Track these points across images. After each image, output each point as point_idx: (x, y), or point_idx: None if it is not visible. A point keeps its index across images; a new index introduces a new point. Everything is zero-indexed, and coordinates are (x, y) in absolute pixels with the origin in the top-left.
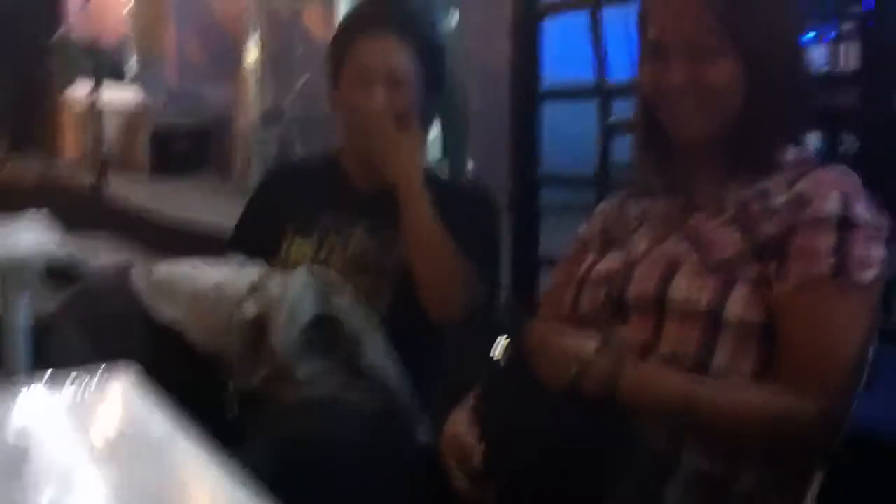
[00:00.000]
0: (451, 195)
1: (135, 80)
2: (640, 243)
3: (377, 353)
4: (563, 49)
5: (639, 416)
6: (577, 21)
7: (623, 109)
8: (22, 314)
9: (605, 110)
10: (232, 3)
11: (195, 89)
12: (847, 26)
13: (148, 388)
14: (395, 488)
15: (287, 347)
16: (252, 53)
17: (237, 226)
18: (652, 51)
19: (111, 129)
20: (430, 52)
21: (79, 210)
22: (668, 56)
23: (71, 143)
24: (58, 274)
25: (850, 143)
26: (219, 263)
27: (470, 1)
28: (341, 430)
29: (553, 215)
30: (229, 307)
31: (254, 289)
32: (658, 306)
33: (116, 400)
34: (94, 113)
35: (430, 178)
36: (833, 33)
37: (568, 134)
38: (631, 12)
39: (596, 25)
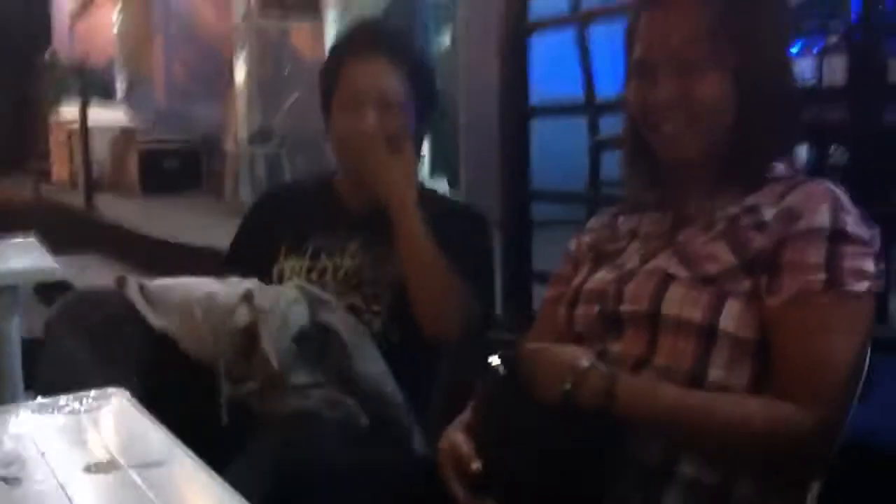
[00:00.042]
0: (443, 213)
1: (123, 100)
2: (631, 259)
3: (370, 364)
4: (552, 66)
5: (633, 429)
6: (565, 38)
7: (612, 125)
8: (14, 334)
9: (593, 126)
10: (220, 23)
11: (184, 109)
12: (833, 39)
13: (142, 407)
14: (390, 500)
15: (278, 356)
16: (240, 73)
17: (231, 246)
18: (639, 68)
19: (100, 149)
20: (421, 74)
21: (69, 229)
22: (655, 73)
23: (60, 164)
24: (48, 293)
25: (838, 155)
26: (212, 280)
27: (463, 20)
28: (334, 443)
29: (544, 230)
30: (221, 316)
31: (245, 298)
32: (651, 321)
33: (112, 419)
34: (82, 133)
35: (423, 197)
36: (819, 46)
37: (558, 150)
38: (618, 29)
39: (583, 42)
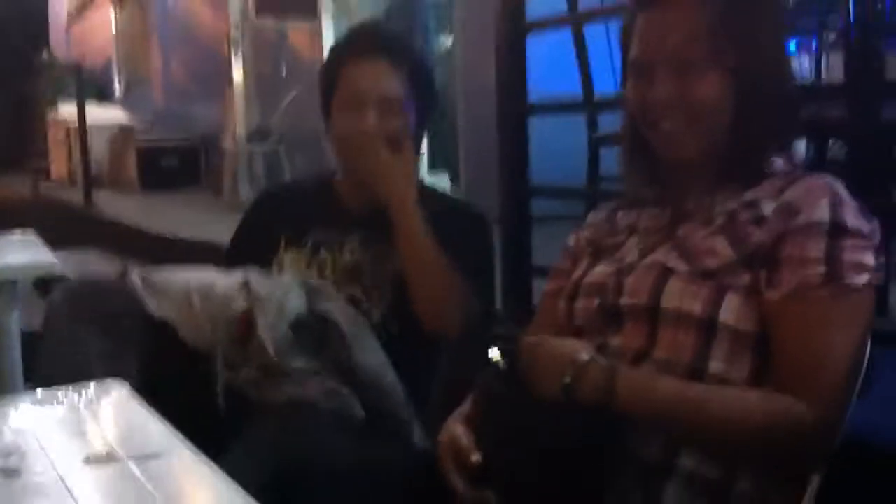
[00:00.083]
0: (442, 211)
1: (121, 99)
2: (630, 253)
3: (369, 355)
4: (550, 63)
5: (633, 422)
6: (563, 36)
7: (610, 122)
8: (14, 328)
9: (592, 123)
10: (217, 23)
11: (182, 109)
12: (831, 36)
13: (142, 399)
14: (389, 493)
15: (275, 343)
16: (238, 73)
17: (231, 243)
18: (637, 68)
19: (99, 146)
20: (421, 75)
21: (68, 226)
22: (653, 72)
23: (59, 161)
24: (48, 288)
25: (836, 150)
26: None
27: (461, 19)
28: (332, 434)
29: (543, 226)
30: (218, 304)
31: (243, 286)
32: (651, 314)
33: (111, 411)
34: (81, 131)
35: (422, 195)
36: (817, 43)
37: (557, 146)
38: (614, 27)
39: (581, 40)
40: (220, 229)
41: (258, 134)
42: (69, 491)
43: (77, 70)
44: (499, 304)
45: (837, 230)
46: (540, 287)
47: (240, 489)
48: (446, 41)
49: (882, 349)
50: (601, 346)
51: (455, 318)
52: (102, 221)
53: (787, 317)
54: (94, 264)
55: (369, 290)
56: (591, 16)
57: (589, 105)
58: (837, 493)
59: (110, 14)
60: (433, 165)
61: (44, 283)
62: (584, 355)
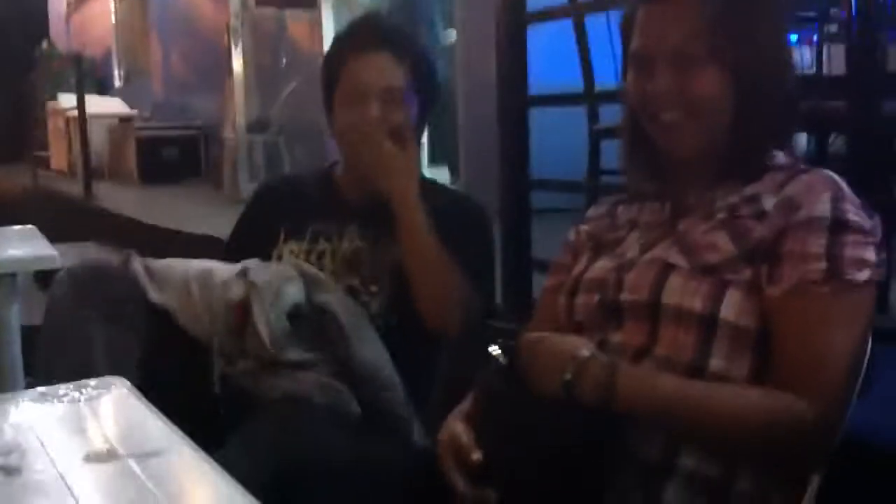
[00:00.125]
0: (443, 205)
1: (121, 90)
2: (631, 248)
3: (367, 347)
4: (551, 55)
5: (634, 420)
6: (564, 27)
7: (611, 114)
8: (14, 321)
9: (593, 115)
10: (216, 14)
11: (181, 99)
12: (832, 28)
13: (142, 396)
14: (386, 490)
15: (270, 332)
16: (238, 63)
17: (231, 235)
18: (637, 60)
19: (98, 137)
20: (423, 67)
21: (67, 218)
22: (653, 65)
23: (58, 153)
24: (48, 281)
25: (837, 145)
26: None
27: (465, 14)
28: (330, 430)
29: (543, 219)
30: (217, 291)
31: (241, 274)
32: (652, 311)
33: (111, 408)
34: (80, 122)
35: (422, 188)
36: (816, 35)
37: (557, 139)
38: (615, 18)
39: (582, 32)
40: (221, 222)
41: (258, 125)
42: (69, 489)
43: (77, 61)
44: (499, 298)
45: (838, 226)
46: (540, 281)
47: (240, 487)
48: (450, 36)
49: (883, 346)
50: (601, 342)
51: (457, 314)
52: (102, 214)
53: (787, 313)
54: (93, 256)
55: (368, 280)
56: (592, 7)
57: (590, 97)
58: (838, 492)
59: (110, 4)
60: (433, 159)
61: (44, 277)
62: (585, 352)
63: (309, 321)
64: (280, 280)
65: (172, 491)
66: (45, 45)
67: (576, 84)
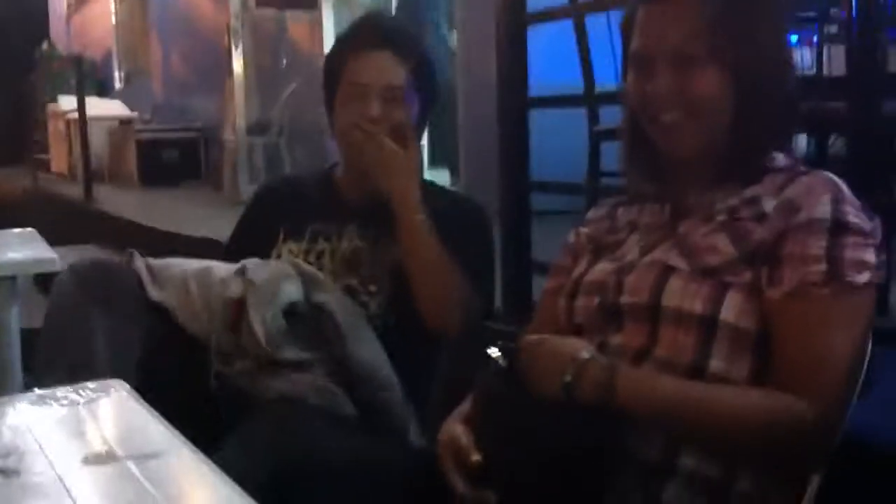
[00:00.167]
0: (442, 206)
1: (121, 92)
2: (631, 250)
3: (365, 347)
4: (551, 56)
5: (634, 421)
6: (564, 28)
7: (612, 116)
8: (13, 324)
9: (593, 117)
10: (217, 15)
11: (181, 102)
12: (832, 29)
13: (140, 399)
14: (383, 491)
15: (266, 330)
16: (238, 65)
17: (231, 237)
18: (637, 61)
19: (99, 140)
20: (424, 68)
21: (68, 221)
22: (653, 66)
23: (58, 155)
24: (48, 284)
25: (837, 146)
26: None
27: (465, 14)
28: (328, 431)
29: (543, 221)
30: (215, 289)
31: (239, 272)
32: (652, 313)
33: (110, 411)
34: (80, 124)
35: (423, 191)
36: (816, 36)
37: (557, 140)
38: (615, 19)
39: (582, 32)
40: (221, 224)
41: (258, 126)
42: (68, 491)
43: (77, 62)
44: (498, 300)
45: (839, 227)
46: (540, 283)
47: (238, 488)
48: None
49: (883, 349)
50: (601, 344)
51: (457, 315)
52: (102, 216)
53: (787, 315)
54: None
55: (367, 280)
56: (593, 7)
57: (590, 98)
58: (837, 493)
59: (110, 6)
60: (433, 160)
61: (44, 280)
62: (585, 353)
63: (306, 320)
64: (277, 278)
65: (171, 493)
66: (45, 46)
67: (576, 85)
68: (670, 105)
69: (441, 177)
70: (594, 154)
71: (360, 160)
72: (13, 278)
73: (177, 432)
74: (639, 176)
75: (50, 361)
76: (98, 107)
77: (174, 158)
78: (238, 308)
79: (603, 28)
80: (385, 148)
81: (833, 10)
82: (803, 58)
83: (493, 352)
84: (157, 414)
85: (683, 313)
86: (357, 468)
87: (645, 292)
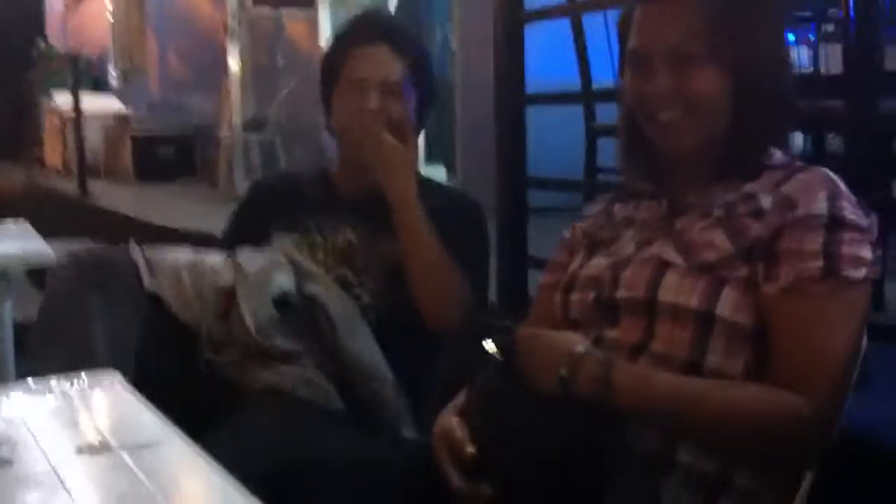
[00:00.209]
0: (437, 201)
1: (117, 89)
2: (626, 246)
3: (357, 339)
4: (549, 53)
5: (630, 416)
6: (562, 25)
7: (609, 113)
8: (7, 318)
9: (590, 114)
10: (213, 13)
11: (177, 98)
12: (829, 27)
13: (134, 390)
14: (375, 486)
15: (255, 318)
16: (234, 63)
17: (225, 232)
18: (635, 59)
19: (94, 136)
20: (422, 64)
21: (63, 216)
22: (651, 64)
23: (54, 151)
24: (42, 279)
25: (835, 144)
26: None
27: (463, 12)
28: (316, 426)
29: (540, 217)
30: (207, 277)
31: (230, 260)
32: (648, 308)
33: (104, 401)
34: (76, 120)
35: (421, 187)
36: (814, 34)
37: (554, 137)
38: (612, 16)
39: (579, 30)
40: (216, 220)
41: (254, 124)
42: (61, 481)
43: (73, 59)
44: (495, 296)
45: (835, 224)
46: (536, 278)
47: (232, 479)
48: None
49: (879, 345)
50: (597, 339)
51: (456, 311)
52: (97, 212)
53: (784, 310)
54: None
55: (360, 271)
56: (590, 6)
57: (587, 96)
58: (833, 489)
59: (107, 4)
60: (430, 157)
61: (38, 274)
62: (581, 348)
63: (298, 311)
64: (269, 268)
65: (165, 483)
66: (42, 44)
67: (573, 83)
68: (668, 104)
69: (438, 174)
70: (591, 151)
71: (357, 155)
72: (6, 271)
73: (170, 423)
74: (635, 173)
75: (46, 345)
76: (94, 103)
77: (170, 155)
78: (229, 297)
79: (600, 26)
80: (384, 142)
81: (830, 10)
82: (800, 57)
83: (490, 346)
84: (150, 405)
85: (680, 308)
86: (352, 463)
87: (641, 287)
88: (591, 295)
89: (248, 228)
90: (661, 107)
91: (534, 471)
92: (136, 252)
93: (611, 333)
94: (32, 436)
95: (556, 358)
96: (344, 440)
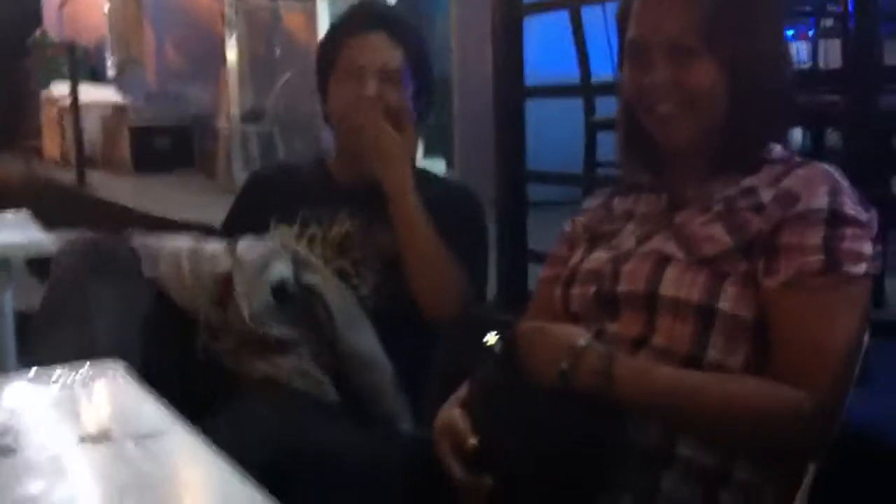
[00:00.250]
0: (435, 193)
1: (114, 79)
2: (627, 240)
3: (355, 330)
4: (548, 46)
5: (631, 409)
6: (561, 18)
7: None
8: (7, 308)
9: (589, 107)
10: (211, 2)
11: (175, 89)
12: (829, 22)
13: (137, 378)
14: (376, 475)
15: (251, 306)
16: (232, 53)
17: (223, 224)
18: (633, 50)
19: (92, 126)
20: (420, 54)
21: (61, 207)
22: (650, 56)
23: (51, 141)
24: (41, 268)
25: (833, 139)
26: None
27: (461, 5)
28: (317, 414)
29: (540, 211)
30: (204, 264)
31: (229, 247)
32: (649, 302)
33: (106, 390)
34: (73, 111)
35: (416, 180)
36: (813, 29)
37: (553, 131)
38: (611, 9)
39: (578, 23)
40: (215, 212)
41: (252, 115)
42: (64, 470)
43: (70, 49)
44: (495, 290)
45: (836, 219)
46: (536, 273)
47: (234, 468)
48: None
49: (879, 341)
50: (598, 333)
51: (453, 303)
52: (96, 203)
53: (784, 305)
54: None
55: (358, 262)
56: None
57: (586, 89)
58: (834, 485)
59: None
60: (429, 151)
61: (37, 264)
62: (582, 341)
63: (295, 300)
64: (267, 256)
65: (167, 473)
66: (38, 33)
67: (572, 75)
68: (666, 96)
69: (436, 167)
70: (590, 144)
71: (354, 144)
72: (7, 262)
73: (172, 412)
74: (635, 166)
75: (51, 331)
76: (91, 93)
77: (167, 146)
78: (226, 283)
79: (599, 18)
80: (381, 130)
81: (830, 5)
82: (800, 51)
83: (490, 339)
84: (152, 394)
85: (680, 303)
86: (348, 454)
87: (641, 281)
88: (592, 289)
89: (246, 218)
90: (659, 99)
91: (534, 464)
92: (136, 239)
93: (611, 327)
94: (35, 425)
95: (557, 351)
96: (341, 431)
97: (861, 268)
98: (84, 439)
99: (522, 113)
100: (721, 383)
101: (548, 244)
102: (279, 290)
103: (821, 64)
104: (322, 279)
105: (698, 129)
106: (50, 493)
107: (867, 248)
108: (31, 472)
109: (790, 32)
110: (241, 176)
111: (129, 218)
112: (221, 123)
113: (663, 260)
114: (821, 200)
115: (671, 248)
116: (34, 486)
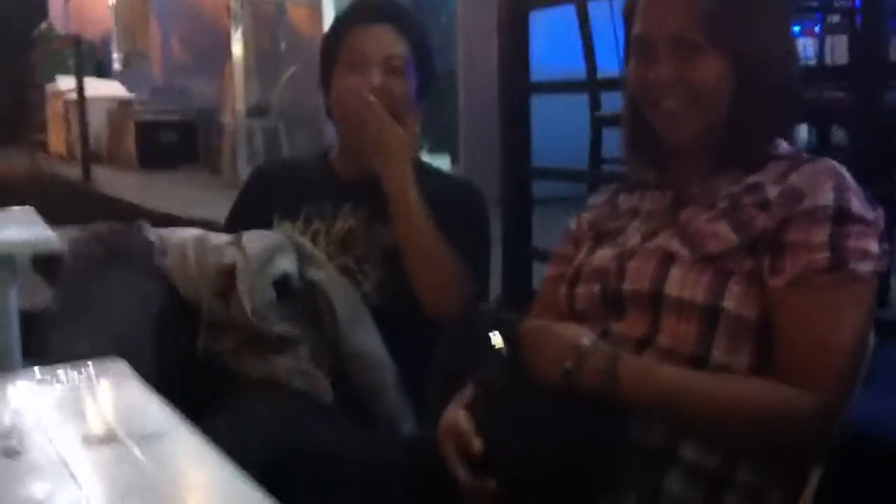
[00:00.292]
0: (438, 188)
1: (119, 73)
2: (632, 238)
3: (359, 328)
4: (553, 42)
5: (635, 409)
6: (567, 13)
7: (614, 102)
8: (12, 305)
9: (595, 103)
10: None
11: (180, 83)
12: (835, 18)
13: (140, 379)
14: (378, 474)
15: (252, 299)
16: (237, 48)
17: (227, 220)
18: (638, 45)
19: (97, 121)
20: (422, 47)
21: (66, 203)
22: (655, 51)
23: (57, 136)
24: (46, 265)
25: (839, 136)
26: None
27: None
28: (319, 414)
29: (545, 208)
30: (210, 256)
31: (234, 240)
32: (654, 301)
33: (110, 391)
34: (79, 106)
35: (417, 172)
36: (819, 25)
37: (559, 127)
38: (618, 4)
39: (584, 18)
40: (221, 208)
41: (257, 109)
42: (69, 471)
43: (76, 43)
44: (499, 287)
45: (842, 216)
46: (540, 270)
47: (237, 469)
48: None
49: (884, 341)
50: (603, 332)
51: (455, 299)
52: (102, 199)
53: (790, 303)
54: None
55: (361, 259)
56: None
57: (592, 84)
58: (839, 486)
59: None
60: (433, 146)
61: (43, 261)
62: (586, 341)
63: (299, 296)
64: (271, 249)
65: (171, 473)
66: (43, 25)
67: (578, 71)
68: (671, 92)
69: (441, 163)
70: (596, 141)
71: (356, 138)
72: (12, 258)
73: (176, 413)
74: (640, 163)
75: (65, 324)
76: (96, 87)
77: (172, 141)
78: (230, 276)
79: (605, 14)
80: (384, 125)
81: (836, 1)
82: (806, 48)
83: (494, 338)
84: (156, 394)
85: (685, 303)
86: (349, 453)
87: (646, 280)
88: (597, 287)
89: (249, 214)
90: (664, 95)
91: (538, 464)
92: (148, 231)
93: (616, 327)
94: (39, 426)
95: (562, 350)
96: (341, 431)
97: (867, 266)
98: (89, 440)
99: (528, 108)
100: (725, 384)
101: (553, 241)
102: (283, 285)
103: (827, 60)
104: (326, 275)
105: (703, 125)
106: (54, 495)
107: (873, 245)
108: (36, 473)
109: (796, 28)
110: (245, 171)
111: (134, 215)
112: (227, 119)
113: (668, 258)
114: (827, 197)
115: (676, 245)
116: (39, 488)
